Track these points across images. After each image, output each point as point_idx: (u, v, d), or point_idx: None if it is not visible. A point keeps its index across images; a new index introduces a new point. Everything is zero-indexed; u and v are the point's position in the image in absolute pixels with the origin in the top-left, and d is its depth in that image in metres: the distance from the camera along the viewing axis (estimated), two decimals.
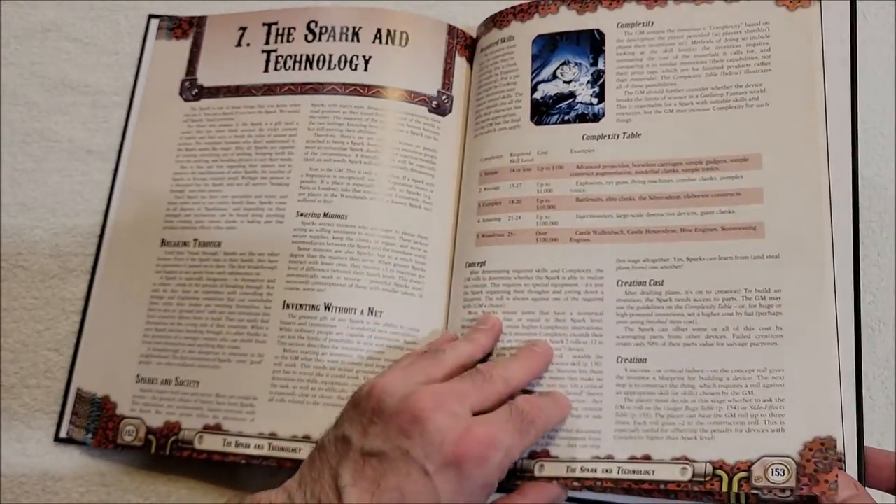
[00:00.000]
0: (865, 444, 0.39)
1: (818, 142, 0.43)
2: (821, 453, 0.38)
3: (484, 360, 0.44)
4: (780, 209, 0.43)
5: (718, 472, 0.40)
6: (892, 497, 0.41)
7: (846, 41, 0.44)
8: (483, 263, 0.46)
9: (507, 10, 0.51)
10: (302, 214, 0.49)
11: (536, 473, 0.42)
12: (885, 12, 0.54)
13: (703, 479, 0.40)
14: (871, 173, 0.50)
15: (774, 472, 0.39)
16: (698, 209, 0.44)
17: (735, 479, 0.39)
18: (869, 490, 0.38)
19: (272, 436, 0.45)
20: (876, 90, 0.52)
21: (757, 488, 0.39)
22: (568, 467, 0.41)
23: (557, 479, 0.41)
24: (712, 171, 0.44)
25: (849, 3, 0.45)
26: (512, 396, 0.40)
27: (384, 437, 0.35)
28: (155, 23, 0.57)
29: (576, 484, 0.41)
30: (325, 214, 0.49)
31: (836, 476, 0.38)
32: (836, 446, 0.38)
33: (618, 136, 0.46)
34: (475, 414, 0.37)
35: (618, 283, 0.44)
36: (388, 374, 0.39)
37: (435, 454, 0.34)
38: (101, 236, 0.53)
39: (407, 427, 0.34)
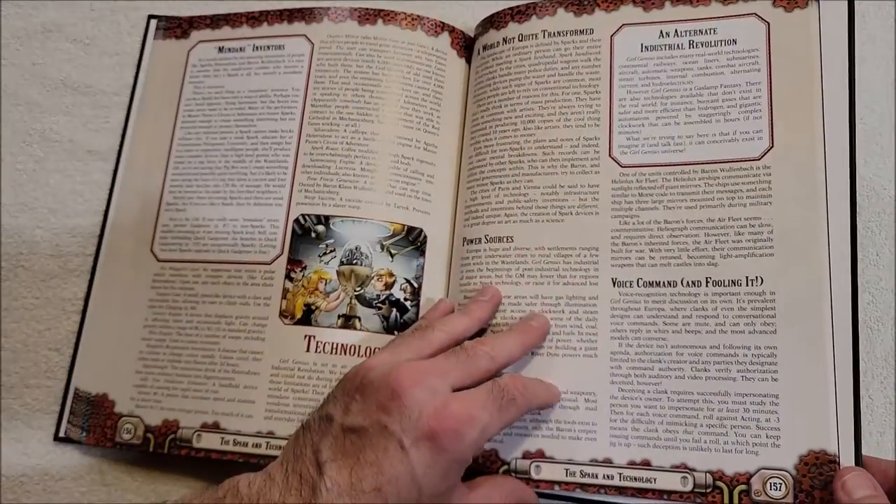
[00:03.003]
0: (864, 444, 0.39)
1: (816, 141, 0.43)
2: (816, 468, 0.38)
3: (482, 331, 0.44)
4: (780, 210, 0.43)
5: (719, 483, 0.40)
6: None
7: (844, 41, 0.44)
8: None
9: (504, 10, 0.51)
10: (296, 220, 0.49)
11: (533, 476, 0.42)
12: (884, 12, 0.53)
13: (704, 491, 0.40)
14: (870, 174, 0.50)
15: (772, 487, 0.39)
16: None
17: (735, 492, 0.39)
18: None
19: (270, 434, 0.45)
20: (874, 90, 0.52)
21: (757, 503, 0.39)
22: (567, 470, 0.42)
23: (557, 482, 0.41)
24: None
25: (847, 3, 0.44)
26: (499, 371, 0.41)
27: (364, 412, 0.35)
28: (154, 23, 0.57)
29: (577, 491, 0.41)
30: (322, 219, 0.49)
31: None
32: (832, 460, 0.38)
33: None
34: (457, 390, 0.37)
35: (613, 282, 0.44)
36: (376, 354, 0.39)
37: (411, 428, 0.34)
38: (100, 236, 0.53)
39: (386, 402, 0.35)
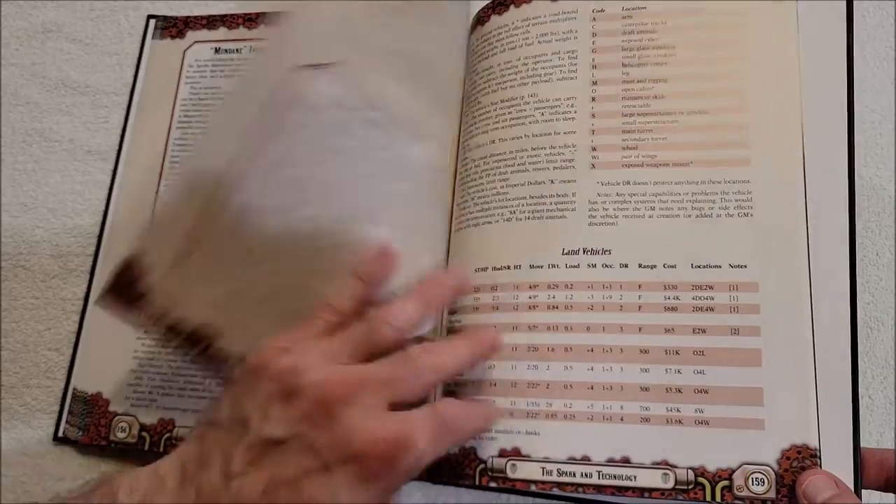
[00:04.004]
0: (863, 444, 0.39)
1: (792, 133, 0.42)
2: (798, 462, 0.38)
3: None
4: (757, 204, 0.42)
5: (700, 479, 0.39)
6: (891, 497, 0.40)
7: (844, 41, 0.44)
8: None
9: (486, 6, 0.51)
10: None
11: (510, 475, 0.40)
12: (884, 12, 0.53)
13: (685, 488, 0.39)
14: (870, 173, 0.50)
15: (755, 482, 0.38)
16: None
17: (718, 488, 0.39)
18: (866, 491, 0.38)
19: None
20: (874, 90, 0.52)
21: (739, 498, 0.38)
22: (543, 468, 0.40)
23: (534, 482, 0.40)
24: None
25: (845, 2, 0.44)
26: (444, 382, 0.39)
27: (287, 422, 0.31)
28: (153, 23, 0.57)
29: (555, 490, 0.40)
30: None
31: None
32: (813, 454, 0.38)
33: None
34: (395, 404, 0.33)
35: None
36: (307, 347, 0.34)
37: (340, 449, 0.30)
38: (100, 236, 0.53)
39: (314, 416, 0.31)
